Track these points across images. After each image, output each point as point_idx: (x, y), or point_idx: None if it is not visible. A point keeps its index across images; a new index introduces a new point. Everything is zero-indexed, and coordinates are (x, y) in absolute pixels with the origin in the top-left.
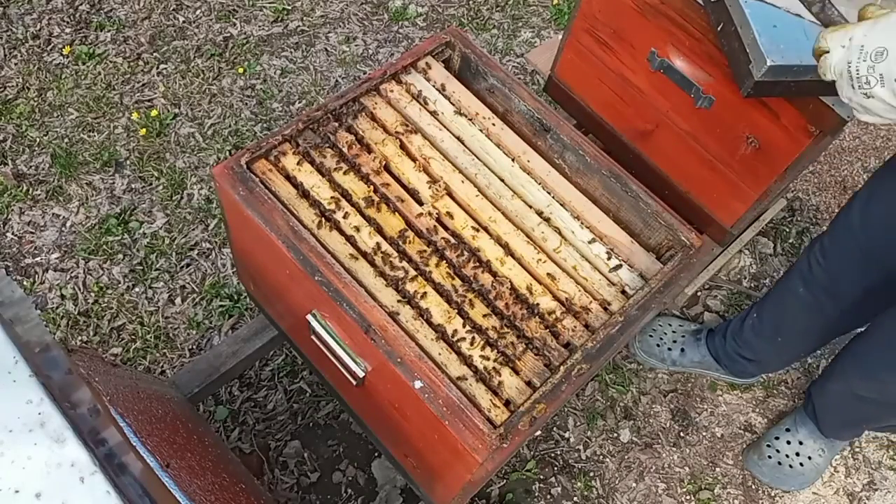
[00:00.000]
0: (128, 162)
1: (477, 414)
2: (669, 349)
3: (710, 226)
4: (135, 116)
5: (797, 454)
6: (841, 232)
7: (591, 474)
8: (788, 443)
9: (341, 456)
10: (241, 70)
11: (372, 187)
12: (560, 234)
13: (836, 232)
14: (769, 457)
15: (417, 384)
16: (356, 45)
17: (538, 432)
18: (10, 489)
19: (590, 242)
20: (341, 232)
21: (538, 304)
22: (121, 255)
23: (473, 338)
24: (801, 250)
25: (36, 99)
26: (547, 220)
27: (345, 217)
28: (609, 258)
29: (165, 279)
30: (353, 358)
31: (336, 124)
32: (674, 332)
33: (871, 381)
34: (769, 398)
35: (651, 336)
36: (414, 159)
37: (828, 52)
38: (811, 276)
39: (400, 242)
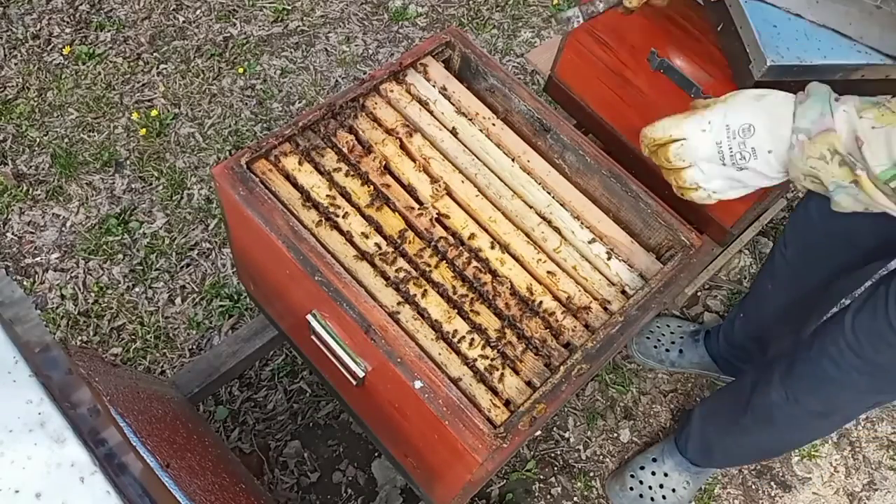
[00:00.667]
0: (128, 162)
1: (477, 414)
2: (668, 350)
3: (710, 226)
4: (135, 116)
5: (661, 486)
6: (801, 224)
7: (591, 474)
8: (653, 473)
9: (341, 456)
10: (241, 70)
11: (372, 187)
12: (560, 234)
13: (796, 224)
14: (631, 488)
15: (417, 384)
16: (356, 45)
17: (538, 432)
18: (10, 489)
19: (590, 242)
20: (341, 232)
21: (538, 304)
22: (121, 255)
23: (473, 338)
24: None
25: (36, 99)
26: (547, 220)
27: (345, 217)
28: (609, 258)
29: (165, 279)
30: (353, 358)
31: (336, 124)
32: (672, 333)
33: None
34: None
35: (648, 338)
36: (414, 159)
37: (678, 140)
38: (775, 269)
39: (400, 242)
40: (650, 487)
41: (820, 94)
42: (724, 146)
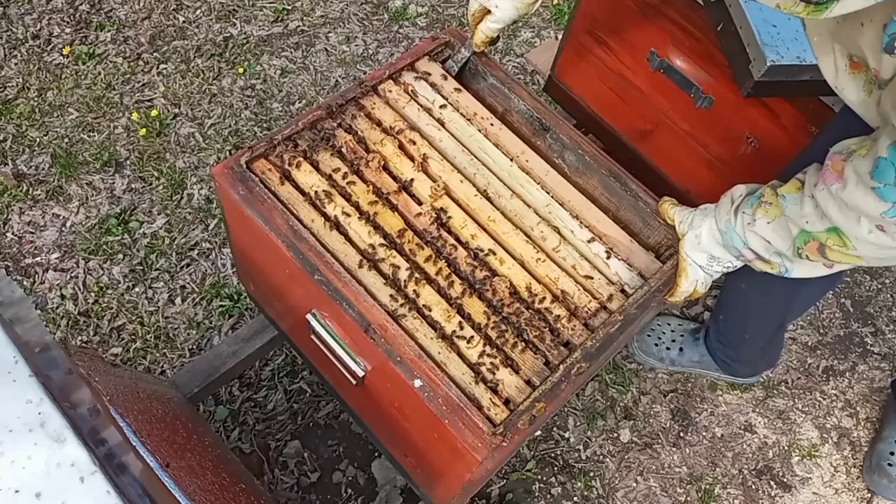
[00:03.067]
0: (128, 162)
1: (476, 413)
2: (668, 348)
3: None
4: (135, 116)
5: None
6: None
7: (591, 474)
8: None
9: (341, 456)
10: (241, 70)
11: (371, 187)
12: (559, 233)
13: None
14: None
15: (417, 383)
16: (356, 45)
17: (538, 432)
18: (10, 489)
19: (589, 241)
20: (341, 231)
21: (537, 303)
22: (121, 255)
23: (473, 336)
24: None
25: (36, 99)
26: (546, 219)
27: (344, 216)
28: (608, 257)
29: (165, 279)
30: (353, 357)
31: (335, 124)
32: (672, 331)
33: None
34: (769, 398)
35: (649, 336)
36: (412, 159)
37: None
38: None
39: (399, 242)
40: None
41: (725, 239)
42: (712, 273)
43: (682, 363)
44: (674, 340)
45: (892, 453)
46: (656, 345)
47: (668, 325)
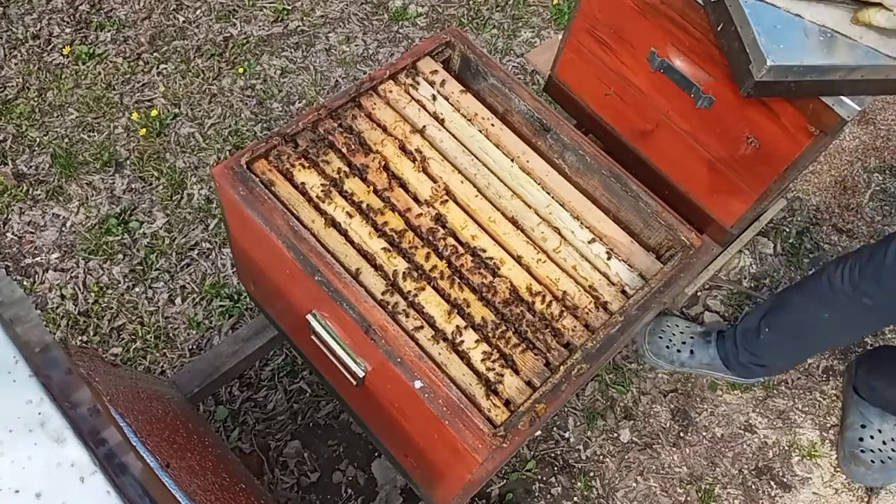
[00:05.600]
0: (128, 162)
1: (477, 414)
2: (679, 351)
3: (709, 226)
4: (135, 116)
5: (884, 443)
6: (872, 266)
7: (591, 474)
8: (872, 437)
9: (341, 456)
10: (241, 70)
11: (371, 187)
12: (559, 234)
13: (866, 264)
14: (872, 461)
15: (417, 384)
16: (356, 45)
17: (538, 432)
18: (10, 489)
19: (589, 242)
20: (341, 232)
21: (538, 304)
22: (121, 255)
23: (473, 337)
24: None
25: (36, 99)
26: (546, 220)
27: (345, 217)
28: (609, 258)
29: (165, 279)
30: (353, 358)
31: (335, 124)
32: (682, 333)
33: None
34: (769, 398)
35: (661, 338)
36: (413, 159)
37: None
38: (833, 295)
39: (400, 242)
40: (880, 451)
41: None
42: None
43: (692, 365)
44: (684, 342)
45: (860, 439)
46: (667, 347)
47: (677, 327)
